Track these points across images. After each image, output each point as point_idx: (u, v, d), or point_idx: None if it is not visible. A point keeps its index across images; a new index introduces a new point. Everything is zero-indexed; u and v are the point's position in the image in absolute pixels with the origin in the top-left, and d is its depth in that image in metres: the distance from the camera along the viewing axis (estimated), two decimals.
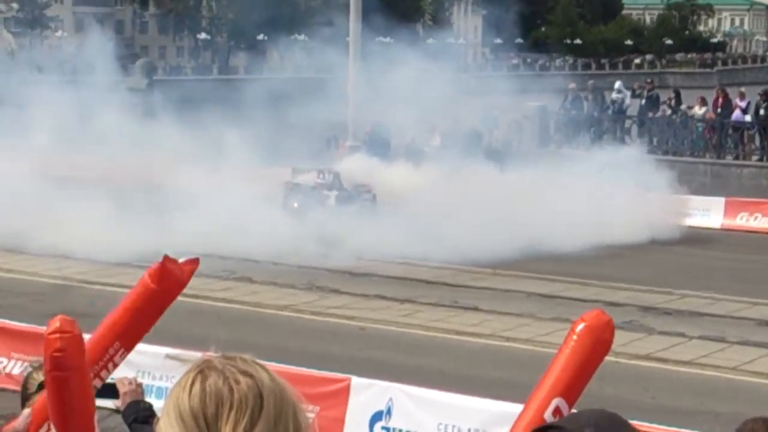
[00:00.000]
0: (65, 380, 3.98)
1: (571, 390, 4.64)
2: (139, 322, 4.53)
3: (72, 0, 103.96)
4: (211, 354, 2.13)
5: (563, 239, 22.07)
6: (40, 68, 34.89)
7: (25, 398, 4.78)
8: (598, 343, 4.69)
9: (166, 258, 4.50)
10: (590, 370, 4.70)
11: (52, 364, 3.95)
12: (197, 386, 2.03)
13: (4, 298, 17.37)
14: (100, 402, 5.27)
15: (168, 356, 2.16)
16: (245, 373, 2.05)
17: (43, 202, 22.33)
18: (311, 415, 12.05)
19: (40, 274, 20.00)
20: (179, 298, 16.78)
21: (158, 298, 4.51)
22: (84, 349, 4.06)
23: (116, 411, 5.16)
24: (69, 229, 21.13)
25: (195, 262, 4.64)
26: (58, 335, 3.95)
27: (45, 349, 3.95)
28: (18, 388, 5.10)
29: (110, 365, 4.41)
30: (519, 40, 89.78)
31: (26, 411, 4.65)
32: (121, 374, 5.18)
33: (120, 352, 4.44)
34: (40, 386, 4.58)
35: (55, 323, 4.00)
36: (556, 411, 4.63)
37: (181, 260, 4.56)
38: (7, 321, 13.58)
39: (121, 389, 4.92)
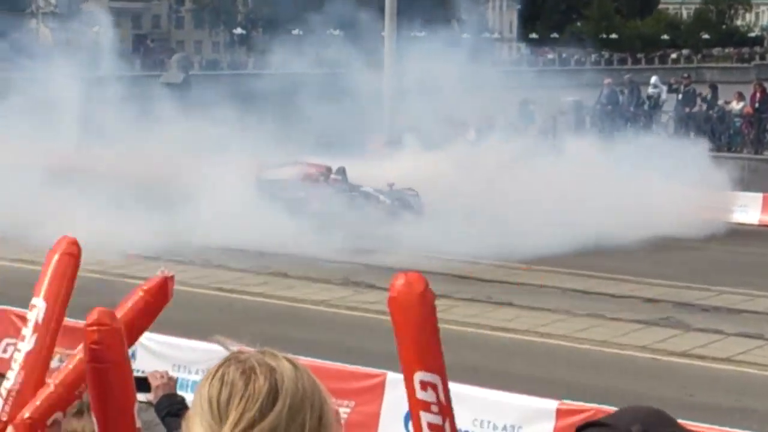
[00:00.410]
0: (105, 372, 4.01)
1: (427, 358, 4.56)
2: (133, 328, 4.63)
3: None
4: (244, 348, 2.18)
5: (607, 234, 21.99)
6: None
7: None
8: (422, 301, 4.65)
9: (162, 273, 4.66)
10: (432, 329, 4.66)
11: (91, 356, 3.98)
12: (218, 375, 2.09)
13: None
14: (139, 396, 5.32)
15: (216, 339, 2.20)
16: (267, 366, 2.09)
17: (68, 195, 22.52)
18: (343, 415, 12.07)
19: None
20: (216, 292, 16.97)
21: (153, 308, 4.66)
22: (123, 341, 4.09)
23: (149, 404, 5.19)
24: (100, 222, 21.27)
25: (172, 278, 4.82)
26: (95, 327, 3.98)
27: (84, 341, 3.99)
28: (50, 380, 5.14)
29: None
30: (555, 35, 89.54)
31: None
32: (156, 368, 5.22)
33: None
34: None
35: (94, 315, 4.03)
36: (424, 385, 4.51)
37: (163, 274, 4.73)
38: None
39: (153, 383, 4.94)
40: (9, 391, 4.72)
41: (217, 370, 2.11)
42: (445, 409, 4.54)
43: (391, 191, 24.71)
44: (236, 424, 2.04)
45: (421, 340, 4.49)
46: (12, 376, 4.77)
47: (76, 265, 4.96)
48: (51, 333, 4.91)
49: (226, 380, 2.08)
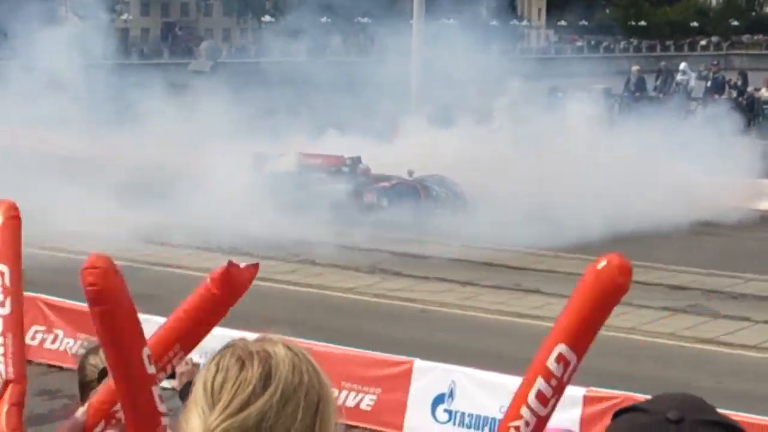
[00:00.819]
0: (108, 314, 4.12)
1: (578, 337, 4.53)
2: (200, 326, 4.59)
3: None
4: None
5: (635, 219, 21.90)
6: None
7: (83, 384, 4.81)
8: (609, 287, 4.58)
9: (229, 263, 4.57)
10: (599, 315, 4.61)
11: (89, 299, 4.12)
12: (215, 361, 2.13)
13: (69, 278, 17.55)
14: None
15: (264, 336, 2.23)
16: (263, 353, 2.11)
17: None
18: (370, 403, 12.09)
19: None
20: None
21: (219, 303, 4.57)
22: (122, 282, 4.17)
23: (173, 390, 5.21)
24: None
25: (256, 267, 4.70)
26: (88, 270, 4.12)
27: (82, 285, 4.12)
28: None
29: (168, 367, 4.51)
30: (583, 22, 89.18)
31: (81, 409, 4.69)
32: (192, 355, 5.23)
33: (179, 355, 4.53)
34: (102, 373, 4.63)
35: (89, 259, 4.17)
36: (560, 358, 4.52)
37: (242, 265, 4.63)
38: (71, 302, 13.73)
39: (178, 369, 4.96)
40: (4, 354, 4.89)
41: (214, 357, 2.14)
42: (561, 389, 4.57)
43: (440, 181, 24.65)
44: (225, 408, 2.06)
45: (591, 320, 4.49)
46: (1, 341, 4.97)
47: (20, 226, 5.18)
48: (20, 295, 5.12)
49: (221, 366, 2.11)
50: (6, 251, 5.08)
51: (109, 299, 4.04)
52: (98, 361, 4.71)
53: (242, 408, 2.06)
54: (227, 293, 4.51)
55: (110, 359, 4.12)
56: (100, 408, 4.44)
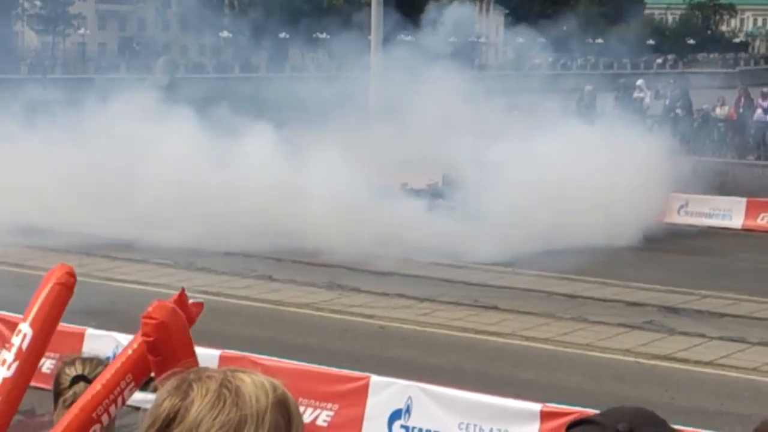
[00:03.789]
0: (159, 365, 4.10)
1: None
2: (170, 357, 4.55)
3: None
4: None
5: (583, 234, 22.06)
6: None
7: (57, 393, 4.80)
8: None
9: (183, 291, 4.61)
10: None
11: (147, 348, 4.10)
12: (166, 391, 2.09)
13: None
14: (140, 394, 5.33)
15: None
16: (186, 391, 2.07)
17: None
18: (327, 419, 12.07)
19: (22, 265, 20.03)
20: (202, 296, 16.83)
21: (172, 331, 4.54)
22: (178, 332, 4.12)
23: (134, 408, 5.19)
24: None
25: (200, 305, 4.75)
26: (145, 320, 4.10)
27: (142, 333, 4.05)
28: (46, 386, 5.15)
29: (119, 399, 4.47)
30: (541, 40, 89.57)
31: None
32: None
33: (130, 387, 4.49)
34: (74, 380, 4.62)
35: (149, 308, 4.14)
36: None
37: (189, 302, 4.67)
38: None
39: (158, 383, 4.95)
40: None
41: (169, 386, 2.11)
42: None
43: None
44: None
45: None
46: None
47: (68, 296, 4.94)
48: (32, 362, 4.86)
49: (165, 405, 2.07)
50: (39, 315, 4.83)
51: (162, 350, 4.01)
52: (73, 371, 4.70)
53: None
54: (178, 321, 4.54)
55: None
56: (81, 417, 4.41)
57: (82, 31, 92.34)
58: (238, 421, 2.03)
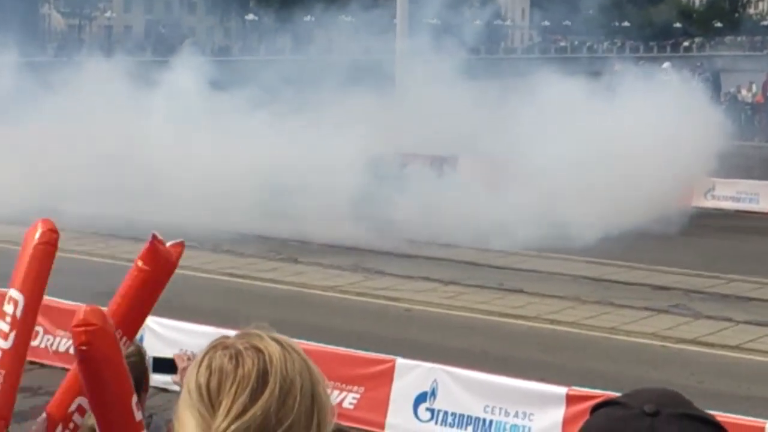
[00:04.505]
0: (98, 371, 3.88)
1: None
2: (137, 308, 4.42)
3: None
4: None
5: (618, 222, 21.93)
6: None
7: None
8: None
9: (154, 237, 4.40)
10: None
11: (81, 357, 3.82)
12: (205, 362, 2.07)
13: (54, 277, 17.50)
14: (158, 376, 5.31)
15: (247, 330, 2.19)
16: (254, 349, 2.06)
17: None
18: (352, 401, 12.10)
19: (89, 253, 20.18)
20: (228, 278, 16.93)
21: (152, 280, 4.40)
22: (114, 338, 3.92)
23: (158, 390, 5.19)
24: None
25: (181, 244, 4.56)
26: (82, 328, 3.79)
27: (73, 342, 3.83)
28: (63, 365, 5.09)
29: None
30: (567, 23, 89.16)
31: (42, 416, 4.62)
32: (163, 352, 5.18)
33: (123, 341, 4.31)
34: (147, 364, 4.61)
35: (80, 315, 3.82)
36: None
37: (168, 243, 4.48)
38: (54, 299, 13.68)
39: (180, 365, 4.95)
40: None
41: (203, 358, 2.08)
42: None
43: None
44: (229, 411, 2.02)
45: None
46: None
47: (53, 254, 4.73)
48: (28, 329, 4.67)
49: (213, 367, 2.05)
50: (28, 279, 4.60)
51: (101, 357, 3.78)
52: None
53: (246, 409, 2.02)
54: (157, 269, 4.36)
55: (98, 410, 3.90)
56: (57, 410, 4.32)
57: (108, 14, 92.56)
58: (304, 363, 2.08)
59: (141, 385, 4.82)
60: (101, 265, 18.94)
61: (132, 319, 4.45)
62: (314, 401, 2.07)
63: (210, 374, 2.04)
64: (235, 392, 2.02)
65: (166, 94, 26.80)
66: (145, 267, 4.41)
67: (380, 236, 21.33)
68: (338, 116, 26.07)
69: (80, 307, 3.85)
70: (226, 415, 2.01)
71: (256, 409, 2.02)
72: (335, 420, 2.14)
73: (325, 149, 24.21)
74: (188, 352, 5.18)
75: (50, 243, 4.66)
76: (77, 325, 3.75)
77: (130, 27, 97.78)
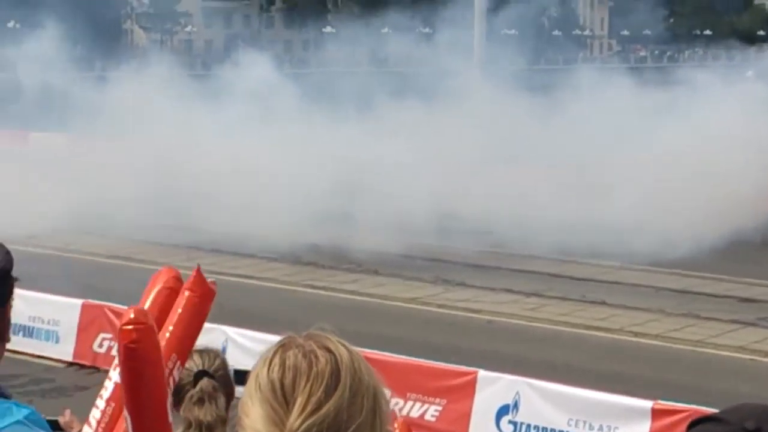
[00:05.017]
0: (140, 370, 4.02)
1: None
2: (189, 334, 4.61)
3: None
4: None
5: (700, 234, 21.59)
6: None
7: (179, 388, 4.78)
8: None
9: (199, 267, 4.66)
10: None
11: (127, 355, 3.97)
12: (277, 359, 2.10)
13: (137, 286, 17.67)
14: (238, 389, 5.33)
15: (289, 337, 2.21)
16: (325, 349, 2.09)
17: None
18: (435, 413, 12.03)
19: (172, 265, 20.29)
20: (309, 290, 16.92)
21: (201, 306, 4.61)
22: (157, 338, 4.08)
23: None
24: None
25: (214, 284, 4.80)
26: (132, 326, 3.97)
27: (119, 340, 3.98)
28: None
29: (170, 380, 4.45)
30: (647, 32, 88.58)
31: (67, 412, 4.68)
32: (245, 363, 5.18)
33: (177, 365, 4.48)
34: (197, 375, 4.63)
35: (129, 314, 4.02)
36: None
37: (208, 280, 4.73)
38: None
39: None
40: (98, 422, 4.65)
41: (274, 355, 2.10)
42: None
43: None
44: (304, 408, 2.05)
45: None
46: (101, 406, 4.70)
47: (174, 299, 4.88)
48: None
49: (288, 364, 2.07)
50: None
51: (146, 356, 3.95)
52: (192, 365, 4.71)
53: (320, 406, 2.05)
54: (206, 296, 4.57)
55: (136, 409, 4.03)
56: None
57: (189, 28, 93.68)
58: (367, 365, 2.12)
59: (230, 398, 4.84)
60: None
61: (185, 344, 4.63)
62: (376, 403, 2.10)
63: (284, 371, 2.07)
64: (311, 389, 2.05)
65: (244, 105, 27.02)
66: (194, 295, 4.62)
67: (461, 247, 21.26)
68: (416, 125, 26.08)
69: (128, 309, 4.01)
70: (302, 411, 2.04)
71: (330, 406, 2.05)
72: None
73: (403, 161, 24.21)
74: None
75: (174, 290, 4.84)
76: (126, 323, 3.89)
77: (210, 41, 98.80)
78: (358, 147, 25.29)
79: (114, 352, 11.93)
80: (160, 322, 4.82)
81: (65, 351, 14.34)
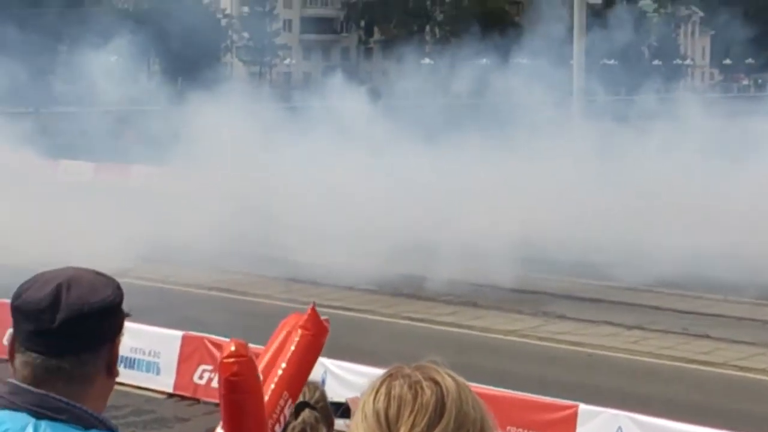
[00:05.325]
0: (241, 402, 4.08)
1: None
2: (302, 372, 4.65)
3: (300, 28, 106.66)
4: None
5: None
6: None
7: None
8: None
9: (314, 306, 4.69)
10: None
11: (228, 388, 4.02)
12: (383, 389, 2.11)
13: (238, 318, 17.79)
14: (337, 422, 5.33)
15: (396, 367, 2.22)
16: (431, 380, 2.10)
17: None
18: None
19: (272, 297, 20.39)
20: (407, 321, 16.96)
21: (315, 344, 4.66)
22: (257, 371, 4.12)
23: None
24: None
25: (327, 321, 4.85)
26: (234, 359, 4.01)
27: (220, 373, 4.03)
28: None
29: (282, 417, 4.50)
30: (750, 61, 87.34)
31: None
32: (344, 395, 5.23)
33: (288, 403, 4.52)
34: (299, 407, 4.65)
35: (230, 347, 4.06)
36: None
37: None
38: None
39: (354, 409, 4.90)
40: None
41: (381, 385, 2.12)
42: None
43: None
44: None
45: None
46: None
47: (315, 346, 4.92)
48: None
49: (393, 394, 2.08)
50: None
51: (247, 388, 4.00)
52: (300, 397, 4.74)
53: None
54: (320, 334, 4.60)
55: None
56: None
57: (287, 61, 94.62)
58: (476, 400, 2.12)
59: (330, 429, 4.85)
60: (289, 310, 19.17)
61: (297, 381, 4.67)
62: None
63: (389, 401, 2.08)
64: (414, 420, 2.05)
65: (339, 136, 27.20)
66: (308, 333, 4.68)
67: (560, 279, 21.08)
68: (515, 155, 25.96)
69: (229, 341, 4.00)
70: None
71: None
72: None
73: (502, 190, 24.11)
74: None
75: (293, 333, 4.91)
76: (228, 356, 3.92)
77: (308, 73, 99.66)
78: (453, 176, 25.26)
79: (214, 383, 12.13)
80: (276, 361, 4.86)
81: (166, 382, 14.47)
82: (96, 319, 2.42)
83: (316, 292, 20.15)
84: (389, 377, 2.12)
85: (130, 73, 37.43)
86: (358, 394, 5.47)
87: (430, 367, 2.12)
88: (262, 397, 4.09)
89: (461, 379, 2.12)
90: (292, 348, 4.62)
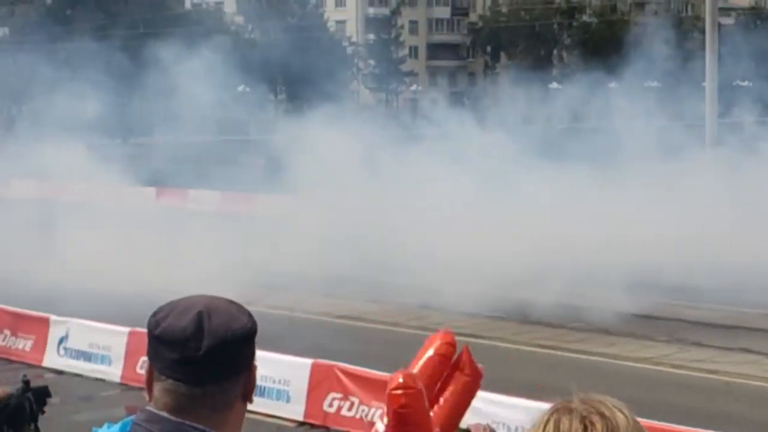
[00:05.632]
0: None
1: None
2: (458, 411, 4.69)
3: (426, 54, 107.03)
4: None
5: None
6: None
7: None
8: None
9: (467, 348, 4.76)
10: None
11: (397, 419, 4.00)
12: (551, 425, 2.07)
13: (366, 346, 17.76)
14: None
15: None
16: (600, 414, 2.06)
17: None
18: None
19: (400, 324, 20.33)
20: (537, 348, 16.73)
21: (472, 387, 4.72)
22: (426, 402, 4.08)
23: None
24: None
25: (483, 368, 4.87)
26: (402, 391, 3.99)
27: (389, 404, 3.98)
28: None
29: None
30: None
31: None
32: (476, 421, 5.20)
33: None
34: None
35: (398, 378, 4.03)
36: None
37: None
38: (367, 370, 13.78)
39: None
40: None
41: (548, 420, 2.08)
42: None
43: None
44: None
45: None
46: None
47: (446, 366, 4.82)
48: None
49: (563, 429, 2.05)
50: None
51: (415, 420, 3.97)
52: None
53: None
54: (476, 377, 4.69)
55: None
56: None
57: (413, 87, 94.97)
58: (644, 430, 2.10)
59: None
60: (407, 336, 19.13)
61: (453, 421, 4.69)
62: None
63: None
64: None
65: (465, 161, 27.17)
66: (469, 379, 4.75)
67: (696, 305, 20.62)
68: (650, 180, 25.61)
69: (396, 373, 4.07)
70: None
71: None
72: None
73: (635, 215, 23.76)
74: (484, 424, 5.07)
75: (446, 356, 4.90)
76: (395, 388, 4.00)
77: (435, 99, 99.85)
78: (584, 200, 24.96)
79: (344, 411, 12.12)
80: (430, 387, 4.79)
81: (296, 410, 14.45)
82: (237, 346, 2.39)
83: (446, 319, 20.04)
84: (556, 411, 2.08)
85: (258, 102, 37.92)
86: (481, 421, 5.42)
87: (598, 401, 2.09)
88: (430, 429, 4.08)
89: (631, 413, 2.09)
90: (452, 388, 4.67)
